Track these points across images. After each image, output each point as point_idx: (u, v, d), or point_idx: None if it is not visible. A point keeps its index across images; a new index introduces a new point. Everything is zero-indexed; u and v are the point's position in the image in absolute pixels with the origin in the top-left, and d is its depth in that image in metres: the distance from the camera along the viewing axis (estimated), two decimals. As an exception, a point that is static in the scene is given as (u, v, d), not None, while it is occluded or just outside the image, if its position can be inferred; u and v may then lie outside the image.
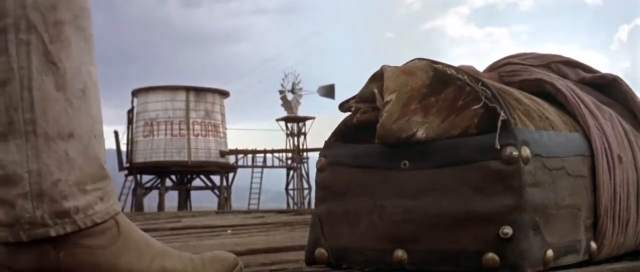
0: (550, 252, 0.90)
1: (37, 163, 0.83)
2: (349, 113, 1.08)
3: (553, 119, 1.02)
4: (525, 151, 0.89)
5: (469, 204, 0.90)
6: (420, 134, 0.95)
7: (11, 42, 0.83)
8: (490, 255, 0.88)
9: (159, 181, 20.09)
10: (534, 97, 1.06)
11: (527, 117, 0.96)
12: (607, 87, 1.21)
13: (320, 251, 1.04)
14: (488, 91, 0.93)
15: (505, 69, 1.21)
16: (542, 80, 1.13)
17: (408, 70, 0.99)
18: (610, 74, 1.21)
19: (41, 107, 0.84)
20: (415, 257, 0.95)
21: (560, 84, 1.12)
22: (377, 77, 1.02)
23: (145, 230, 2.06)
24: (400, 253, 0.95)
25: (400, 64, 1.04)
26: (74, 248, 0.85)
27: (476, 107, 0.93)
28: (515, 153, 0.88)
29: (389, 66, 1.02)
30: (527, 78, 1.15)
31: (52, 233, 0.83)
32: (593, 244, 1.02)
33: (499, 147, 0.89)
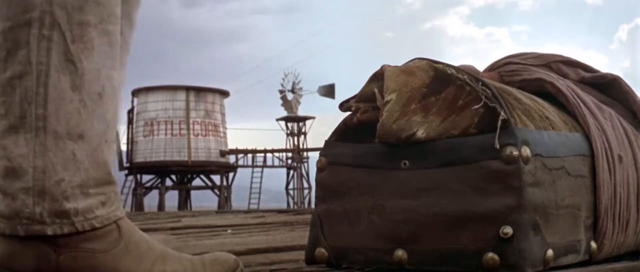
0: (550, 252, 0.90)
1: (43, 160, 0.83)
2: (349, 112, 1.08)
3: (553, 118, 1.02)
4: (526, 151, 0.89)
5: (469, 203, 0.90)
6: (421, 133, 0.95)
7: (33, 36, 0.83)
8: (490, 255, 0.88)
9: (159, 180, 20.09)
10: (534, 97, 1.06)
11: (527, 117, 0.96)
12: (607, 87, 1.21)
13: (320, 251, 1.04)
14: (488, 91, 0.93)
15: (505, 68, 1.21)
16: (542, 79, 1.13)
17: (408, 70, 0.99)
18: (611, 74, 1.21)
19: (54, 105, 0.84)
20: (415, 257, 0.95)
21: (561, 83, 1.12)
22: (378, 77, 1.02)
23: (145, 230, 2.06)
24: (400, 253, 0.95)
25: (400, 63, 1.04)
26: (74, 251, 0.84)
27: (476, 106, 0.93)
28: (515, 153, 0.88)
29: (389, 66, 1.02)
30: (528, 78, 1.14)
31: (49, 232, 0.83)
32: (593, 244, 1.02)
33: (498, 146, 0.89)
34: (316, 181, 1.09)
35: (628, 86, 1.20)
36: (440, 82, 0.97)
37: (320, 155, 1.07)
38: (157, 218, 3.42)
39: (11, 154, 0.84)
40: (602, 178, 1.03)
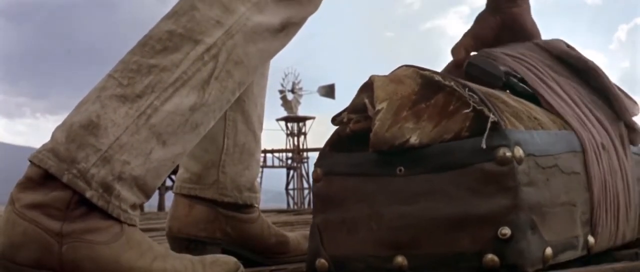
0: (549, 250, 0.91)
1: (128, 138, 0.88)
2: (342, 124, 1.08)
3: (542, 118, 1.03)
4: (518, 151, 0.90)
5: (465, 206, 0.91)
6: (414, 140, 0.95)
7: (195, 52, 0.93)
8: (490, 256, 0.89)
9: (162, 182, 19.99)
10: (521, 100, 1.07)
11: (516, 119, 0.96)
12: (585, 73, 1.21)
13: (321, 261, 1.04)
14: (475, 96, 0.94)
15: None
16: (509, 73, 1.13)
17: (396, 78, 1.00)
18: (590, 61, 1.21)
19: (169, 108, 0.91)
20: (416, 262, 0.95)
21: (534, 77, 1.12)
22: (367, 88, 1.03)
23: (145, 230, 2.05)
24: (400, 259, 0.96)
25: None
26: (76, 242, 0.86)
27: (466, 110, 0.94)
28: (508, 154, 0.89)
29: (377, 76, 1.03)
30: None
31: (87, 194, 0.86)
32: (591, 238, 1.03)
33: (485, 147, 0.89)
34: (313, 191, 1.09)
35: (604, 75, 1.20)
36: (428, 89, 0.98)
37: (316, 166, 1.08)
38: (157, 218, 3.43)
39: (105, 114, 0.88)
40: (593, 172, 1.04)
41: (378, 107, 0.98)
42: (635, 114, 1.24)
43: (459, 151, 0.93)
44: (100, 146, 0.87)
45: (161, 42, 0.92)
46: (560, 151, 1.00)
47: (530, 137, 0.95)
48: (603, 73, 1.21)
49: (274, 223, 1.44)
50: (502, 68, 1.14)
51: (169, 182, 20.89)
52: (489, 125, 0.90)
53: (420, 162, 0.96)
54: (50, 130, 0.94)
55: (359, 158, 1.02)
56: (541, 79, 1.15)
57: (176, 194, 1.36)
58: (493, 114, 0.91)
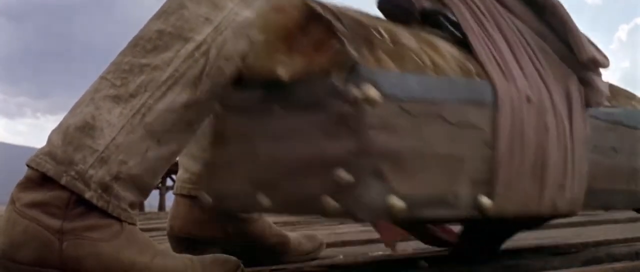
0: (398, 202, 0.83)
1: (124, 138, 0.89)
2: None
3: (442, 63, 0.93)
4: (372, 92, 0.82)
5: (317, 147, 0.85)
6: (283, 73, 0.90)
7: (185, 50, 0.93)
8: (330, 200, 0.82)
9: (159, 180, 20.12)
10: (437, 40, 0.98)
11: (394, 59, 0.88)
12: (545, 11, 1.08)
13: (206, 197, 1.02)
14: (346, 30, 0.87)
15: None
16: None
17: (278, 6, 0.94)
18: None
19: (163, 106, 0.91)
20: (275, 202, 0.91)
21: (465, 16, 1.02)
22: (257, 17, 0.98)
23: (145, 230, 2.09)
24: (263, 198, 0.92)
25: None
26: (77, 240, 0.87)
27: (338, 46, 0.87)
28: (358, 94, 0.82)
29: (264, 4, 0.97)
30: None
31: (87, 195, 0.87)
32: (485, 199, 0.93)
33: (340, 86, 0.83)
34: (212, 127, 1.07)
35: (566, 14, 1.07)
36: (308, 20, 0.91)
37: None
38: (158, 218, 3.49)
39: (100, 115, 0.89)
40: (502, 127, 0.94)
41: (256, 36, 0.94)
42: (603, 66, 1.11)
43: (320, 88, 0.86)
44: (97, 146, 0.87)
45: (151, 42, 0.93)
46: (451, 99, 0.90)
47: (399, 79, 0.86)
48: (565, 11, 1.09)
49: (274, 223, 1.43)
50: (433, 6, 1.05)
51: (169, 182, 20.97)
52: (345, 62, 0.83)
53: (290, 99, 0.90)
54: (50, 131, 0.93)
55: (245, 94, 0.98)
56: (479, 22, 1.05)
57: (176, 194, 1.37)
58: (354, 51, 0.84)
